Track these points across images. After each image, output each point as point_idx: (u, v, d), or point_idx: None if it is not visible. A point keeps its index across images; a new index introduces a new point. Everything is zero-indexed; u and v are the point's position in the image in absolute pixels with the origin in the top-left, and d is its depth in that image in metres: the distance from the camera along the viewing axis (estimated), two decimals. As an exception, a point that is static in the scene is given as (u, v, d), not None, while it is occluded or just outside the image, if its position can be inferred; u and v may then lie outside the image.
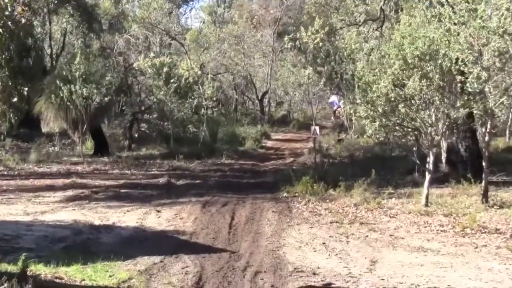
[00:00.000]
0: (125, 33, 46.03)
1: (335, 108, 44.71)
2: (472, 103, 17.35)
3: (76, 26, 41.60)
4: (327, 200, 19.90)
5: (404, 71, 17.93)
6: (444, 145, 22.32)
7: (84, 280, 11.49)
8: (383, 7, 33.01)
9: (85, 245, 14.39)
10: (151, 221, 17.30)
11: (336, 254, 13.64)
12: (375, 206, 18.37)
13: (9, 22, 10.72)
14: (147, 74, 37.37)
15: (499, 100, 17.00)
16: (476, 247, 14.03)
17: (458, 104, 17.34)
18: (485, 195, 18.00)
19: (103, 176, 26.02)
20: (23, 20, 11.52)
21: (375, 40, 29.79)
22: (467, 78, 16.76)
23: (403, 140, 20.81)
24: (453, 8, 17.58)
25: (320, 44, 26.11)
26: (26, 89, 19.33)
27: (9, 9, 10.86)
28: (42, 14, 39.21)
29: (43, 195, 21.03)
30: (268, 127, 50.32)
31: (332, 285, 11.58)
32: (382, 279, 11.77)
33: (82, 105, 28.97)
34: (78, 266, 12.11)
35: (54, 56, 41.41)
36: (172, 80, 34.39)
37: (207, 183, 24.62)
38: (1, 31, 10.43)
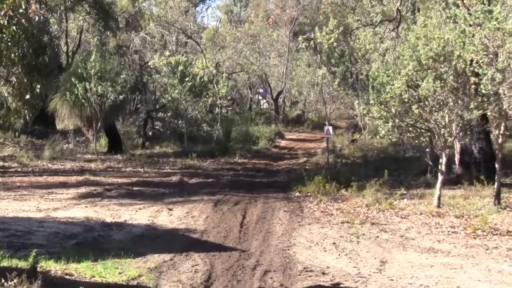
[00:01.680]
0: (141, 31, 46.20)
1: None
2: (486, 104, 17.24)
3: (92, 24, 41.77)
4: (339, 200, 19.90)
5: (418, 72, 17.85)
6: (457, 146, 22.23)
7: (94, 276, 11.52)
8: (399, 8, 32.93)
9: (96, 242, 14.43)
10: (163, 219, 17.33)
11: (346, 254, 13.61)
12: (386, 206, 18.33)
13: (23, 20, 10.76)
14: (162, 72, 37.52)
15: (513, 102, 16.93)
16: (487, 249, 13.95)
17: (472, 106, 17.23)
18: (497, 197, 17.92)
19: (116, 173, 26.11)
20: (37, 18, 11.58)
21: (390, 40, 29.70)
22: (481, 79, 16.66)
23: (416, 141, 20.72)
24: (468, 10, 17.50)
25: (335, 44, 26.09)
26: (41, 86, 19.35)
27: (23, 7, 10.91)
28: (58, 12, 39.39)
29: (56, 192, 21.13)
30: (282, 127, 50.41)
31: (341, 285, 11.55)
32: (392, 280, 11.73)
33: (97, 102, 29.13)
34: (89, 263, 12.14)
35: (70, 53, 41.57)
36: (187, 79, 34.48)
37: (220, 182, 24.66)
38: (14, 28, 10.48)
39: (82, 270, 11.77)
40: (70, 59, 40.17)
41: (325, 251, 13.98)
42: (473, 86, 17.35)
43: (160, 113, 37.31)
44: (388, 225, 16.51)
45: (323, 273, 12.19)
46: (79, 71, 30.27)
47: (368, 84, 21.15)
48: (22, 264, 11.29)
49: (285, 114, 58.81)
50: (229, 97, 39.53)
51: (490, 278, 11.80)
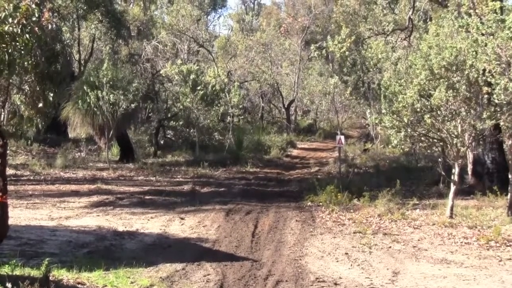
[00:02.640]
0: (153, 39, 46.28)
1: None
2: (498, 114, 17.18)
3: (104, 32, 41.84)
4: (351, 210, 19.84)
5: (431, 82, 17.81)
6: (470, 156, 22.16)
7: (105, 286, 11.50)
8: (411, 17, 32.90)
9: (108, 251, 14.42)
10: (175, 228, 17.32)
11: (358, 265, 13.56)
12: (399, 217, 18.26)
13: (36, 28, 10.79)
14: (174, 81, 37.62)
15: (526, 112, 16.87)
16: (500, 260, 13.87)
17: (484, 116, 17.16)
18: (510, 208, 17.82)
19: (128, 182, 26.15)
20: (50, 26, 11.61)
21: (402, 50, 29.68)
22: (494, 89, 16.61)
23: (428, 151, 20.68)
24: (481, 19, 17.45)
25: (347, 53, 26.07)
26: (54, 94, 19.43)
27: (36, 15, 10.94)
28: (71, 20, 39.51)
29: (68, 201, 21.16)
30: (294, 136, 50.38)
31: (354, 296, 11.53)
32: (404, 291, 11.70)
33: (109, 111, 29.18)
34: (101, 272, 12.13)
35: (82, 62, 41.69)
36: (198, 87, 34.53)
37: (232, 191, 24.64)
38: (28, 36, 10.50)
39: (94, 279, 11.76)
40: (82, 68, 40.31)
41: (337, 261, 13.93)
42: (485, 96, 17.29)
43: (172, 121, 37.33)
44: (400, 235, 16.45)
45: (336, 284, 12.13)
46: (91, 79, 30.36)
47: (380, 93, 21.11)
48: (34, 272, 11.28)
49: (297, 123, 58.80)
50: (240, 106, 39.52)
51: (504, 289, 11.75)
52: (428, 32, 19.89)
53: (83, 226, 16.90)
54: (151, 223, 17.85)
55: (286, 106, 56.83)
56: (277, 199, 22.75)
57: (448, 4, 21.56)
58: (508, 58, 16.58)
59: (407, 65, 19.67)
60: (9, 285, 9.50)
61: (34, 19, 10.80)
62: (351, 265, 13.55)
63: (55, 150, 34.04)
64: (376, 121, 20.99)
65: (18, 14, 10.07)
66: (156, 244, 15.37)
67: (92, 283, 11.59)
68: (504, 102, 16.74)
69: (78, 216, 18.48)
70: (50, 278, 10.82)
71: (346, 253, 14.55)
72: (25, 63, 11.21)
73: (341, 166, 26.22)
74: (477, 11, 17.78)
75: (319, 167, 32.98)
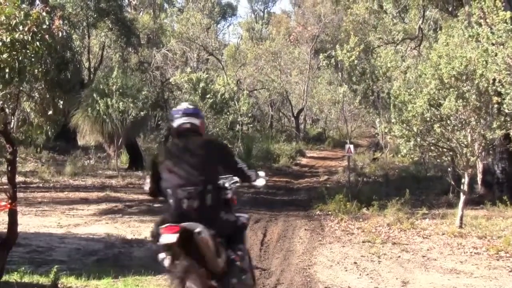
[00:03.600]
0: (162, 47, 46.42)
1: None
2: (509, 124, 17.13)
3: (114, 40, 42.02)
4: (360, 219, 19.78)
5: (440, 91, 17.77)
6: (479, 166, 22.10)
7: (114, 294, 11.52)
8: (421, 26, 32.89)
9: (117, 258, 14.42)
10: (183, 236, 17.28)
11: (367, 274, 13.51)
12: (408, 226, 18.19)
13: (47, 36, 10.80)
14: (184, 89, 37.63)
15: (536, 122, 16.81)
16: (510, 271, 13.77)
17: (494, 125, 17.10)
18: (520, 218, 17.79)
19: (137, 190, 26.12)
20: (60, 34, 11.62)
21: (412, 59, 29.64)
22: (504, 99, 16.57)
23: (438, 160, 20.62)
24: (491, 28, 17.41)
25: (356, 62, 26.00)
26: (63, 102, 19.40)
27: (47, 23, 10.95)
28: (81, 28, 39.68)
29: (77, 208, 21.19)
30: (303, 145, 50.37)
31: (363, 306, 11.50)
32: (414, 301, 11.66)
33: (118, 119, 29.23)
34: (109, 280, 12.12)
35: (92, 69, 41.88)
36: (208, 96, 34.51)
37: (240, 200, 24.45)
38: (38, 44, 10.51)
39: (103, 287, 11.74)
40: (92, 75, 40.47)
41: (346, 270, 13.88)
42: (495, 106, 17.23)
43: (181, 129, 37.31)
44: (409, 245, 16.39)
45: (344, 293, 12.12)
46: (101, 87, 30.44)
47: (389, 103, 21.05)
48: (43, 280, 11.30)
49: (306, 131, 58.83)
50: (250, 114, 39.55)
51: (513, 300, 11.70)
52: (438, 42, 19.84)
53: (92, 234, 16.91)
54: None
55: (295, 115, 56.88)
56: (286, 207, 22.72)
57: (458, 14, 21.53)
58: (518, 68, 16.55)
59: (416, 75, 19.62)
60: (18, 292, 9.52)
61: (44, 26, 10.81)
62: (360, 275, 13.50)
63: (64, 158, 34.11)
64: (386, 130, 20.97)
65: (28, 21, 10.09)
66: (165, 252, 15.34)
67: (100, 291, 11.60)
68: (514, 112, 16.71)
69: (87, 224, 18.49)
70: (59, 285, 10.85)
71: (355, 263, 14.51)
72: (35, 70, 11.20)
73: (350, 175, 26.15)
74: (487, 20, 17.72)
75: (328, 176, 32.93)
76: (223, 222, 7.55)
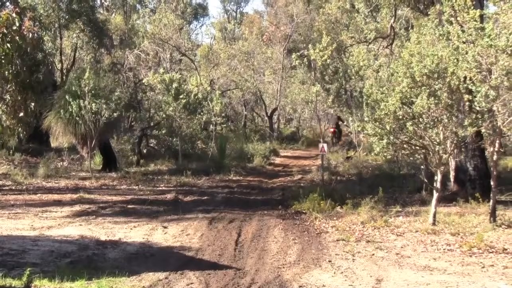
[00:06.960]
0: (135, 48, 46.24)
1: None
2: (480, 121, 17.23)
3: (86, 42, 41.86)
4: (334, 218, 19.83)
5: (412, 89, 17.88)
6: (452, 163, 22.20)
7: (88, 295, 11.47)
8: (393, 25, 33.07)
9: (91, 260, 14.34)
10: (158, 237, 17.26)
11: (342, 272, 13.56)
12: (382, 224, 18.29)
13: (17, 37, 10.75)
14: (157, 89, 37.61)
15: (507, 119, 16.90)
16: (483, 267, 13.91)
17: (466, 123, 17.22)
18: (493, 215, 17.89)
19: (110, 191, 26.05)
20: (31, 35, 11.57)
21: (384, 57, 29.77)
22: (475, 96, 16.69)
23: (411, 158, 20.71)
24: (461, 27, 17.54)
25: (328, 61, 26.08)
26: (35, 104, 19.33)
27: (17, 24, 10.90)
28: (53, 29, 39.45)
29: (50, 210, 21.05)
30: (277, 144, 50.40)
31: (337, 304, 11.53)
32: (388, 298, 11.71)
33: (91, 120, 29.06)
34: (83, 282, 12.07)
35: (64, 71, 41.63)
36: (181, 96, 34.41)
37: (215, 200, 24.59)
38: (9, 46, 10.46)
39: (76, 289, 11.72)
40: (64, 77, 40.24)
41: (320, 269, 13.92)
42: (467, 103, 17.34)
43: (155, 130, 37.30)
44: (383, 242, 16.47)
45: (319, 291, 12.15)
46: (73, 88, 30.23)
47: (362, 101, 21.16)
48: (16, 283, 11.23)
49: (280, 131, 58.90)
50: (223, 114, 39.56)
51: (486, 296, 11.79)
52: (409, 40, 19.95)
53: (65, 236, 16.81)
54: (134, 232, 17.78)
55: (269, 114, 56.91)
56: (260, 207, 22.71)
57: (429, 12, 21.64)
58: (489, 66, 16.68)
59: (389, 73, 19.71)
60: (-10, 295, 9.45)
61: (14, 28, 10.76)
62: (335, 273, 13.54)
63: (37, 160, 33.88)
64: (359, 129, 21.05)
65: (-2, 23, 10.04)
66: (139, 253, 15.31)
67: (74, 293, 11.55)
68: (485, 109, 16.80)
69: (60, 226, 18.38)
70: (32, 288, 10.78)
71: (330, 261, 14.55)
72: (6, 72, 11.12)
73: (324, 174, 26.18)
74: (458, 19, 17.84)
75: (302, 175, 32.97)
76: None
